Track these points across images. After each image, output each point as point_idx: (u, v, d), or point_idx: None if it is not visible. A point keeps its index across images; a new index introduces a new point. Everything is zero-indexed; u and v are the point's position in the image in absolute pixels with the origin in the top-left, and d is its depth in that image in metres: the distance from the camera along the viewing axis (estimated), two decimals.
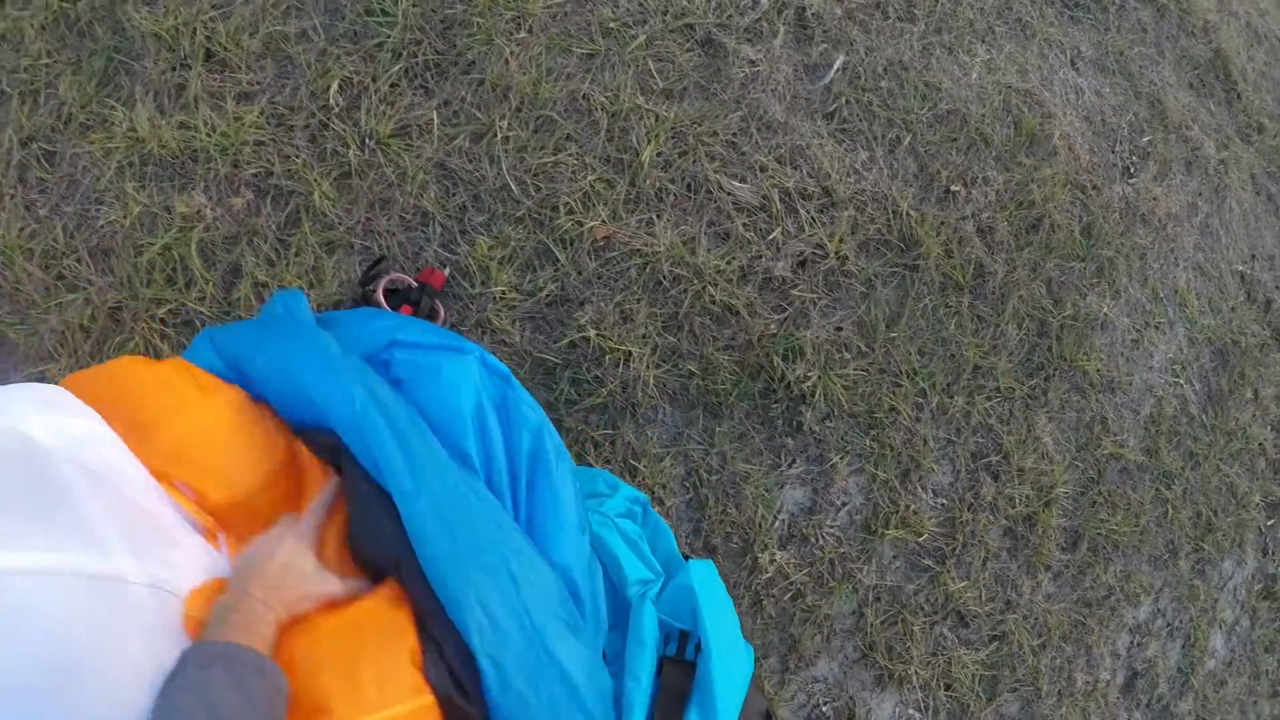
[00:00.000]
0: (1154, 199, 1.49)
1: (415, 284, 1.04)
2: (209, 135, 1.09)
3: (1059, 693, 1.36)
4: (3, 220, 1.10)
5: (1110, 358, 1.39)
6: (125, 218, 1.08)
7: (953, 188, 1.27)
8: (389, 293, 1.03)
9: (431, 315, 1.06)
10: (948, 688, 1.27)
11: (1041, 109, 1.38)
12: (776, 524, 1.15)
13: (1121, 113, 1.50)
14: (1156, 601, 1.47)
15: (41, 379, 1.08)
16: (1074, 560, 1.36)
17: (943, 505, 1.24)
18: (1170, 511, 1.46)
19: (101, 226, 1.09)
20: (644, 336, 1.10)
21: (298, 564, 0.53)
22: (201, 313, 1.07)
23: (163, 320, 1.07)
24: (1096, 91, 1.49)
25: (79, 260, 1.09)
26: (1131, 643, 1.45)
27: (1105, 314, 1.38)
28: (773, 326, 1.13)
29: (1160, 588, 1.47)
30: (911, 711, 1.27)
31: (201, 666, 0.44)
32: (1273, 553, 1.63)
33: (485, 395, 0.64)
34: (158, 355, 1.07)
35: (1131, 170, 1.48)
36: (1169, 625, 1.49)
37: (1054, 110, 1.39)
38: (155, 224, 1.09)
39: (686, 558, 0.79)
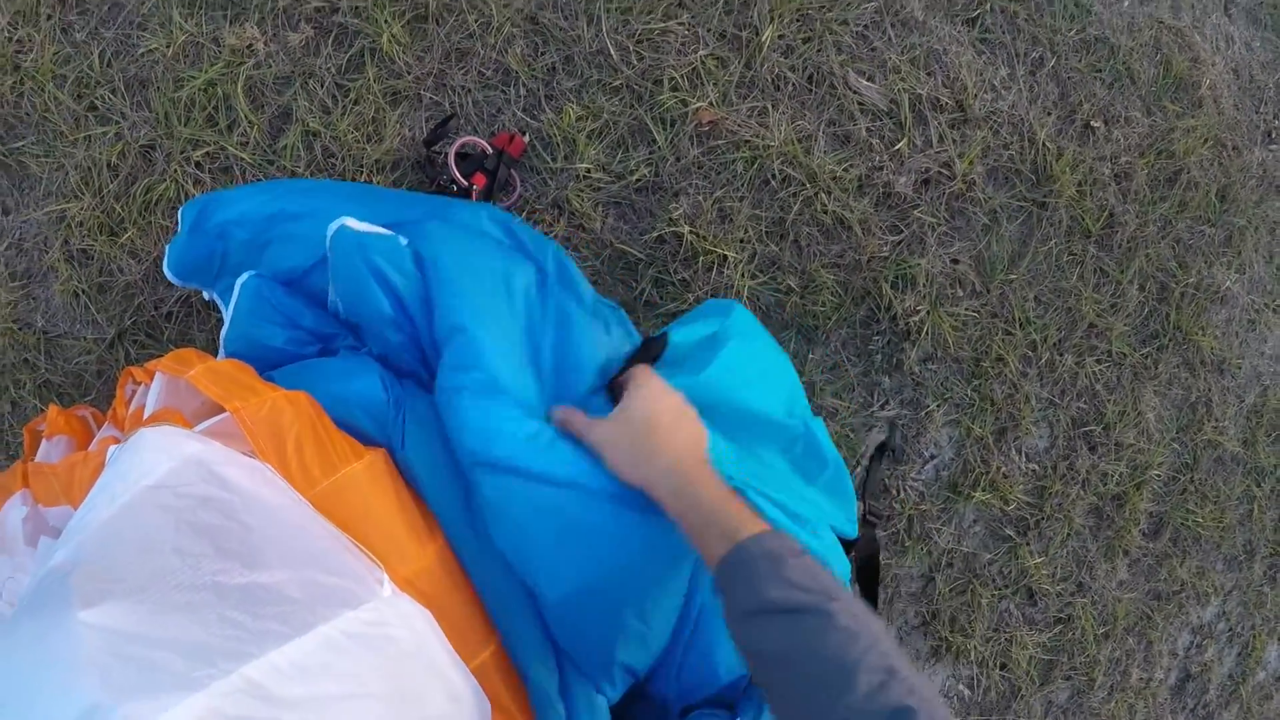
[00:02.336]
0: None
1: (491, 150, 0.91)
2: None
3: (1111, 686, 1.29)
4: (36, 42, 0.96)
5: (1225, 336, 1.27)
6: (168, 47, 0.95)
7: (1093, 123, 1.13)
8: (460, 158, 0.90)
9: (507, 186, 0.93)
10: (1003, 667, 1.19)
11: (1191, 52, 1.23)
12: (857, 469, 1.04)
13: (1270, 71, 1.35)
14: (1224, 604, 1.38)
15: (62, 217, 0.96)
16: (1154, 549, 1.27)
17: (1034, 472, 1.14)
18: (1255, 510, 1.36)
19: (141, 55, 0.96)
20: (743, 241, 0.97)
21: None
22: (242, 159, 0.95)
23: (198, 164, 0.95)
24: (1247, 44, 1.33)
25: (113, 91, 0.96)
26: (1191, 643, 1.37)
27: (1228, 288, 1.26)
28: (886, 249, 1.01)
29: (1230, 589, 1.38)
30: (962, 688, 1.19)
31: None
32: None
33: None
34: (188, 198, 0.95)
35: (1273, 135, 1.33)
36: (1231, 630, 1.41)
37: (1203, 56, 1.24)
38: (200, 56, 0.95)
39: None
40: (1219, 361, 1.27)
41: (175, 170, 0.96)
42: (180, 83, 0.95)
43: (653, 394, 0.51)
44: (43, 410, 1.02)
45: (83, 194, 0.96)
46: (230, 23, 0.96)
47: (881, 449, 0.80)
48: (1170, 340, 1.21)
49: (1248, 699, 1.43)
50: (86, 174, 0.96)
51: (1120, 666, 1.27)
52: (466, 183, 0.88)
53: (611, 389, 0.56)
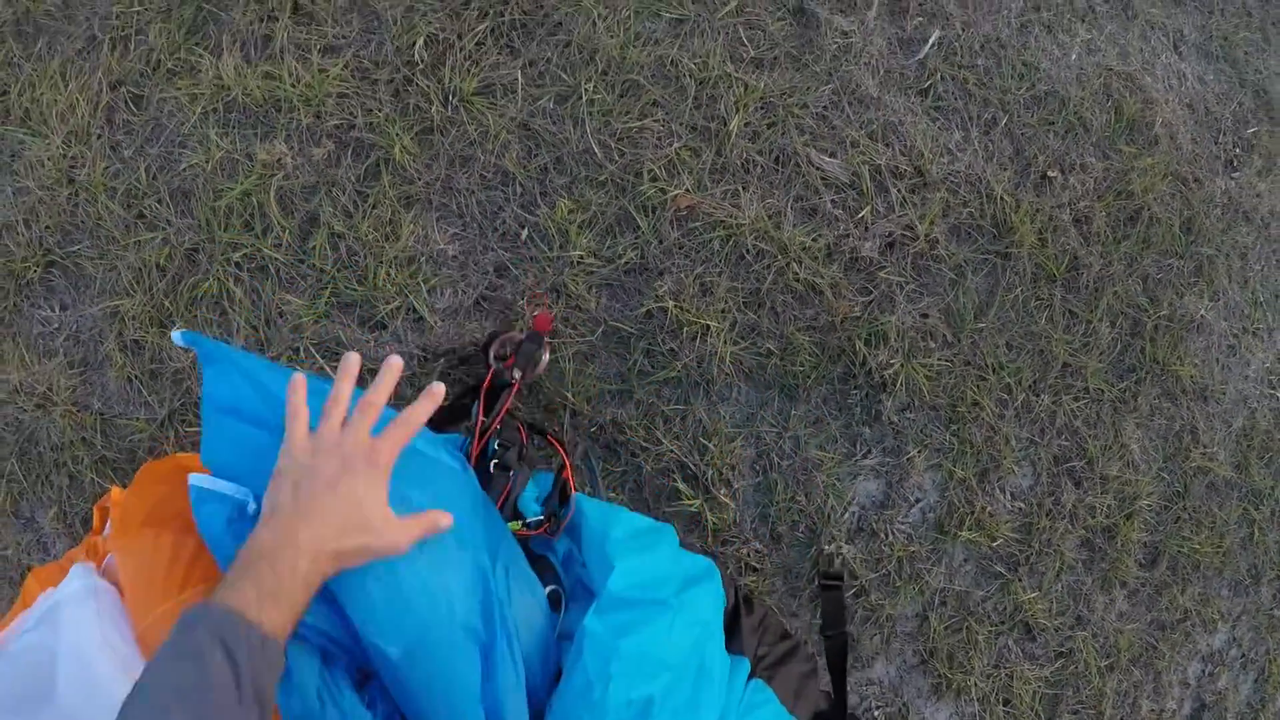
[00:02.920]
0: (1257, 195, 1.40)
1: (523, 337, 0.93)
2: (293, 86, 1.09)
3: (1121, 719, 1.29)
4: (89, 159, 1.11)
5: (1205, 363, 1.31)
6: (207, 162, 1.09)
7: (1049, 173, 1.20)
8: (501, 347, 0.94)
9: (533, 360, 0.93)
10: (1006, 703, 1.21)
11: (1143, 94, 1.30)
12: (846, 516, 1.10)
13: (1225, 101, 1.41)
14: (1233, 629, 1.38)
15: (116, 312, 1.09)
16: (1151, 578, 1.29)
17: (1020, 509, 1.18)
18: (1256, 534, 1.37)
19: (183, 170, 1.10)
20: (723, 311, 1.06)
21: (369, 503, 0.47)
22: (276, 259, 1.07)
23: (237, 264, 1.08)
24: (1200, 78, 1.40)
25: (159, 201, 1.10)
26: (1203, 672, 1.37)
27: (1202, 316, 1.30)
28: (857, 309, 1.09)
29: (1238, 615, 1.38)
30: None
31: (184, 630, 0.41)
32: None
33: None
34: (230, 297, 1.07)
35: (1235, 163, 1.39)
36: (1244, 656, 1.40)
37: (1156, 96, 1.31)
38: (236, 170, 1.09)
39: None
40: (1201, 389, 1.30)
41: (217, 270, 1.08)
42: (219, 193, 1.08)
43: None
44: (99, 483, 1.14)
45: (135, 291, 1.09)
46: (261, 140, 1.10)
47: (825, 580, 0.87)
48: (1148, 373, 1.25)
49: None
50: (138, 274, 1.09)
51: (1129, 699, 1.28)
52: (500, 366, 0.90)
53: None
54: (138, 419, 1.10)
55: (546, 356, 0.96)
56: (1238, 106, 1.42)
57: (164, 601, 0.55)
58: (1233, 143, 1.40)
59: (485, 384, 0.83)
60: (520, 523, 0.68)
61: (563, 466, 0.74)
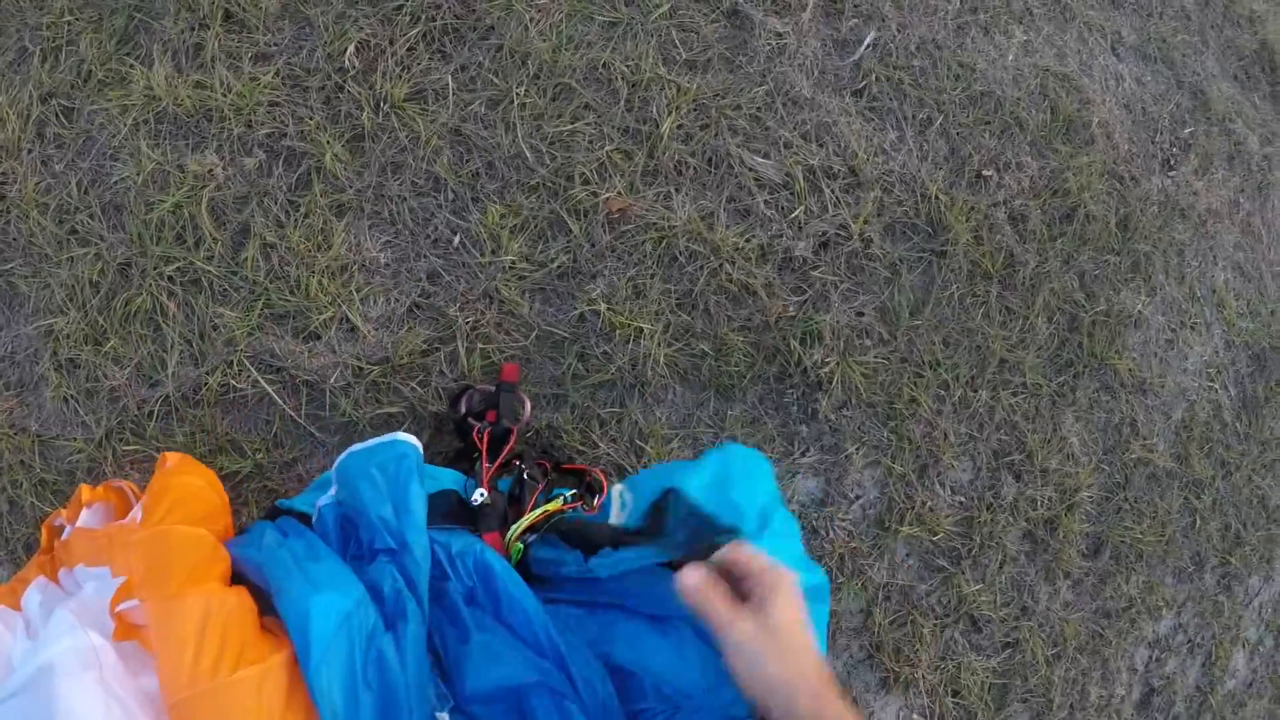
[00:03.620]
0: (1194, 193, 1.42)
1: (493, 389, 0.97)
2: (224, 95, 1.08)
3: (1071, 706, 1.31)
4: (19, 174, 1.09)
5: (1143, 357, 1.33)
6: (138, 175, 1.07)
7: (985, 172, 1.21)
8: (470, 404, 0.96)
9: (515, 409, 0.97)
10: (955, 694, 1.23)
11: (1080, 94, 1.32)
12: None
13: (1163, 102, 1.43)
14: (1179, 616, 1.41)
15: (50, 331, 1.08)
16: (1095, 568, 1.31)
17: (960, 504, 1.20)
18: (1198, 522, 1.40)
19: (115, 183, 1.08)
20: (656, 313, 1.06)
21: None
22: (209, 272, 1.06)
23: (170, 278, 1.06)
24: (1137, 79, 1.42)
25: (91, 216, 1.08)
26: (1150, 657, 1.39)
27: (1140, 311, 1.32)
28: (791, 309, 1.09)
29: (1183, 601, 1.41)
30: (916, 717, 1.22)
31: None
32: None
33: None
34: (164, 311, 1.06)
35: (1171, 162, 1.41)
36: (1190, 641, 1.43)
37: (1093, 97, 1.33)
38: (167, 182, 1.08)
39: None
40: (1139, 383, 1.32)
41: (150, 285, 1.07)
42: (151, 206, 1.07)
43: (799, 611, 0.48)
44: (40, 507, 1.12)
45: (68, 309, 1.08)
46: (192, 151, 1.08)
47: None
48: (1085, 367, 1.27)
49: (1219, 708, 1.44)
50: (71, 291, 1.08)
51: (1077, 686, 1.30)
52: (480, 423, 0.91)
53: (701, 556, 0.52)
54: (75, 439, 1.09)
55: (529, 404, 0.98)
56: (1175, 107, 1.45)
57: (212, 678, 0.50)
58: (1170, 142, 1.42)
59: (486, 437, 0.87)
60: (561, 498, 0.77)
61: (585, 474, 0.84)
